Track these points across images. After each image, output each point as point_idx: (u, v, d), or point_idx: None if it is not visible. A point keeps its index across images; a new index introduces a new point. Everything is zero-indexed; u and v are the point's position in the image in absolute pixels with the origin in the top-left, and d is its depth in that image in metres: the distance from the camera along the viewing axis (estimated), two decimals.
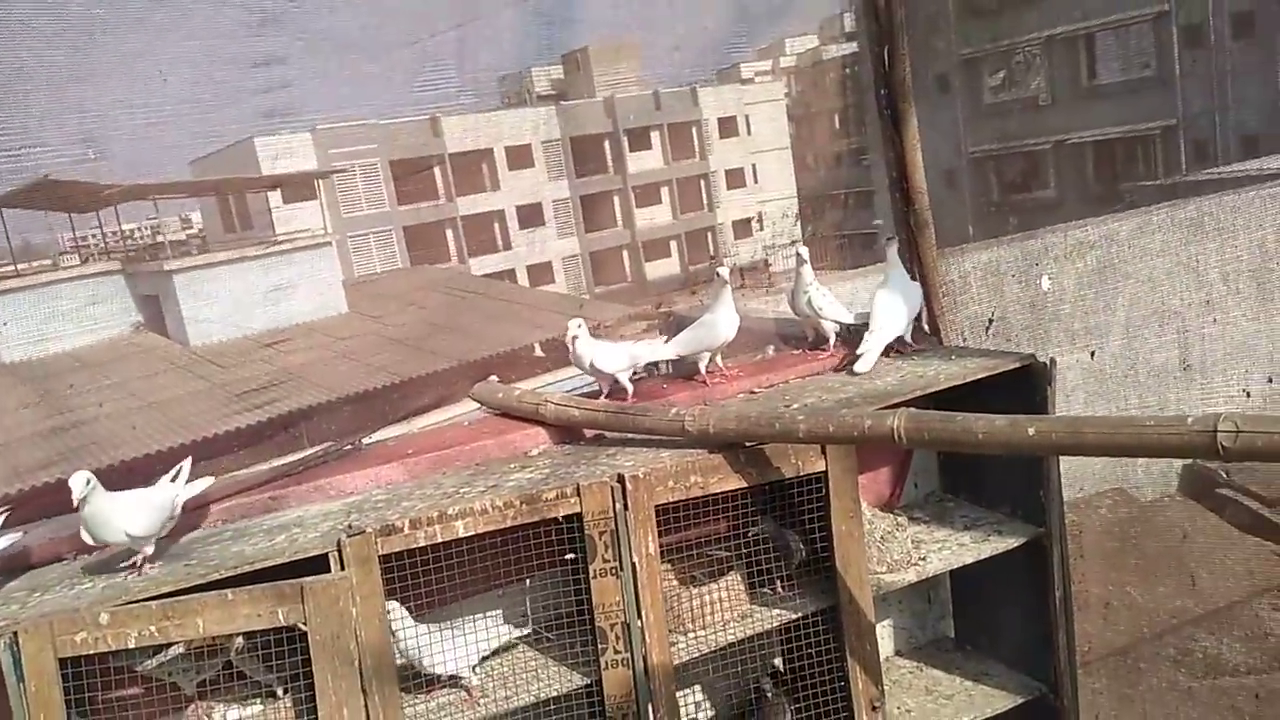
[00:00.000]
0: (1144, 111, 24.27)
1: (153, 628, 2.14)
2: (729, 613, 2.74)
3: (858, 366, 2.98)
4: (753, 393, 3.03)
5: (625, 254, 40.13)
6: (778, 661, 3.03)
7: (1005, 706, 3.00)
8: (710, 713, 3.05)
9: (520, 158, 36.77)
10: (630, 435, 2.81)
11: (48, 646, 2.07)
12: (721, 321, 3.03)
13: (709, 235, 41.15)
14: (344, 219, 31.31)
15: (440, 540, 2.37)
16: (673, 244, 40.68)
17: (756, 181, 41.26)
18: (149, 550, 2.33)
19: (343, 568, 2.27)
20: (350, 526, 2.33)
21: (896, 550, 2.84)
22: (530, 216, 37.33)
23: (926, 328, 3.32)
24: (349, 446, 2.98)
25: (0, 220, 18.64)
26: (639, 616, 2.49)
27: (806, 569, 2.78)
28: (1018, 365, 2.80)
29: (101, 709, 2.26)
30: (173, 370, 18.49)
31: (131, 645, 2.15)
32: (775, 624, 2.71)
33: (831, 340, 3.22)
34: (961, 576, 3.21)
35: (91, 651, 2.12)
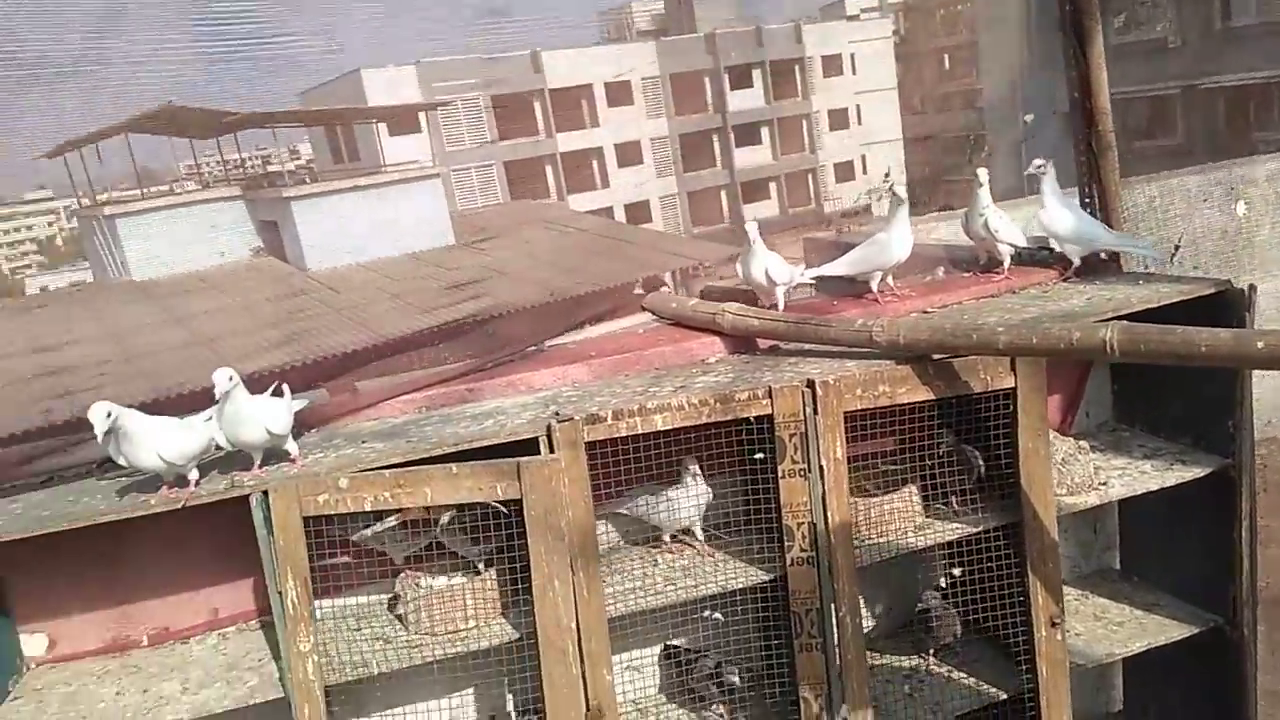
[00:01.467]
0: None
1: (386, 494, 2.32)
2: (906, 523, 2.80)
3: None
4: (925, 312, 3.05)
5: (723, 194, 39.70)
6: (943, 579, 3.10)
7: (1179, 635, 3.01)
8: (873, 622, 3.14)
9: (620, 94, 36.52)
10: (808, 346, 2.88)
11: (294, 505, 2.27)
12: (895, 240, 3.05)
13: (809, 177, 40.39)
14: (446, 152, 31.71)
15: (640, 431, 2.49)
16: (772, 185, 40.06)
17: (860, 123, 40.16)
18: (292, 448, 2.42)
19: (551, 451, 2.41)
20: (556, 414, 2.46)
21: (1078, 473, 2.85)
22: (629, 154, 37.18)
23: (1104, 255, 3.27)
24: (532, 348, 3.12)
25: (128, 145, 19.40)
26: (825, 517, 2.58)
27: (983, 487, 2.82)
28: (1213, 291, 2.75)
29: (318, 574, 2.46)
30: (290, 294, 19.20)
31: (366, 508, 2.33)
32: (953, 537, 2.77)
33: (1006, 263, 3.21)
34: (1131, 508, 3.21)
35: (331, 512, 2.31)
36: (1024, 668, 2.83)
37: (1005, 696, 2.91)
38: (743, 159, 39.07)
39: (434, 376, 2.87)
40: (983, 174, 3.14)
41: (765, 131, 39.00)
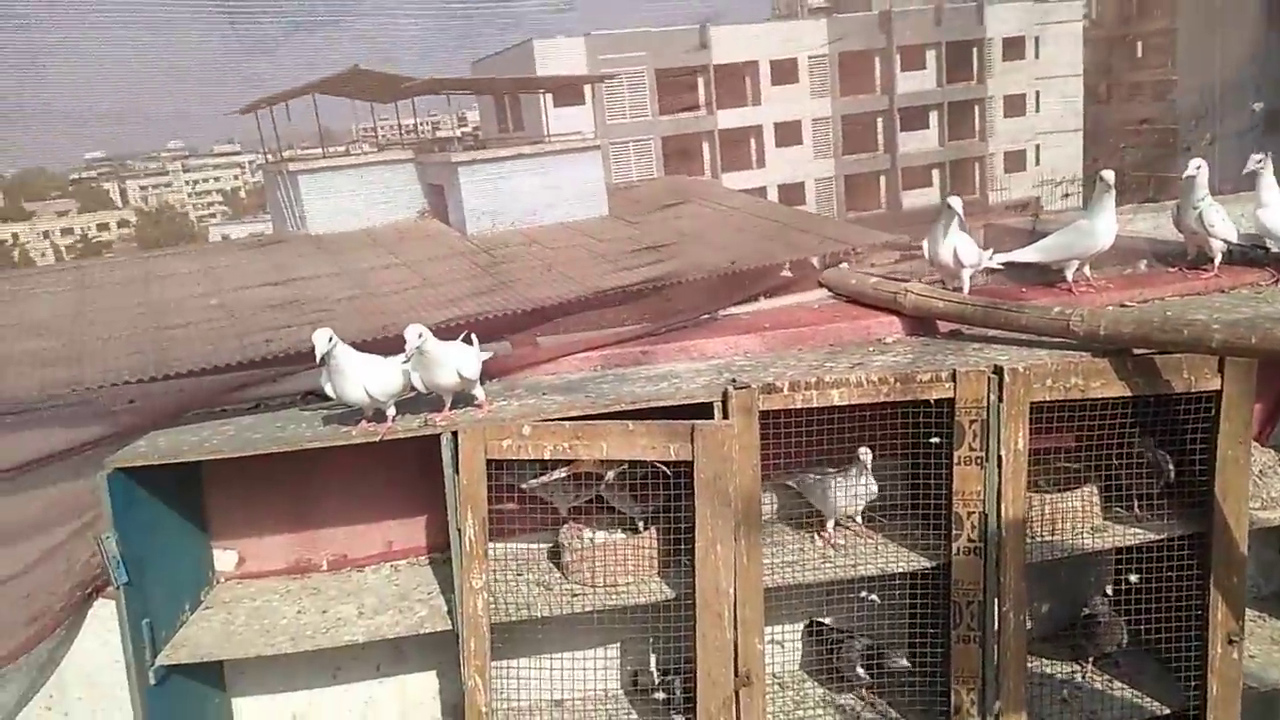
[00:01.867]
0: None
1: (565, 444, 2.40)
2: (1082, 523, 2.69)
3: None
4: (1124, 306, 2.90)
5: (882, 180, 38.62)
6: (1109, 586, 2.96)
7: None
8: (1033, 622, 3.03)
9: (785, 72, 35.95)
10: (993, 333, 2.79)
11: (480, 447, 2.38)
12: (1100, 228, 2.90)
13: (976, 166, 38.76)
14: (607, 125, 32.09)
15: (815, 405, 2.48)
16: (934, 173, 38.67)
17: (1038, 110, 38.15)
18: (479, 394, 2.50)
19: (725, 417, 2.43)
20: (733, 381, 2.48)
21: (1276, 486, 2.67)
22: (788, 134, 36.65)
23: None
24: (706, 316, 3.15)
25: (314, 105, 20.50)
26: (998, 509, 2.50)
27: (1170, 493, 2.67)
28: None
29: (490, 517, 2.56)
30: (452, 255, 19.95)
31: (546, 456, 2.42)
32: (1132, 542, 2.64)
33: (1217, 260, 3.00)
34: None
35: (513, 457, 2.41)
36: (1192, 684, 2.68)
37: (1168, 712, 2.76)
38: (907, 144, 37.86)
39: (611, 337, 2.93)
40: (1200, 164, 2.94)
41: (933, 116, 37.63)
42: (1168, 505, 2.64)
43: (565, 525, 2.79)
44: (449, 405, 2.48)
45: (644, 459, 2.44)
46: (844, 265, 3.21)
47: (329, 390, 2.40)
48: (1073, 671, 2.94)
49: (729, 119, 35.73)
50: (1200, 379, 2.46)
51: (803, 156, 37.36)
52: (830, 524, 2.77)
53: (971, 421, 2.46)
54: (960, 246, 2.87)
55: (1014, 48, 37.97)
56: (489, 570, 2.45)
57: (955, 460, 2.49)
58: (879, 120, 37.99)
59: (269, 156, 21.15)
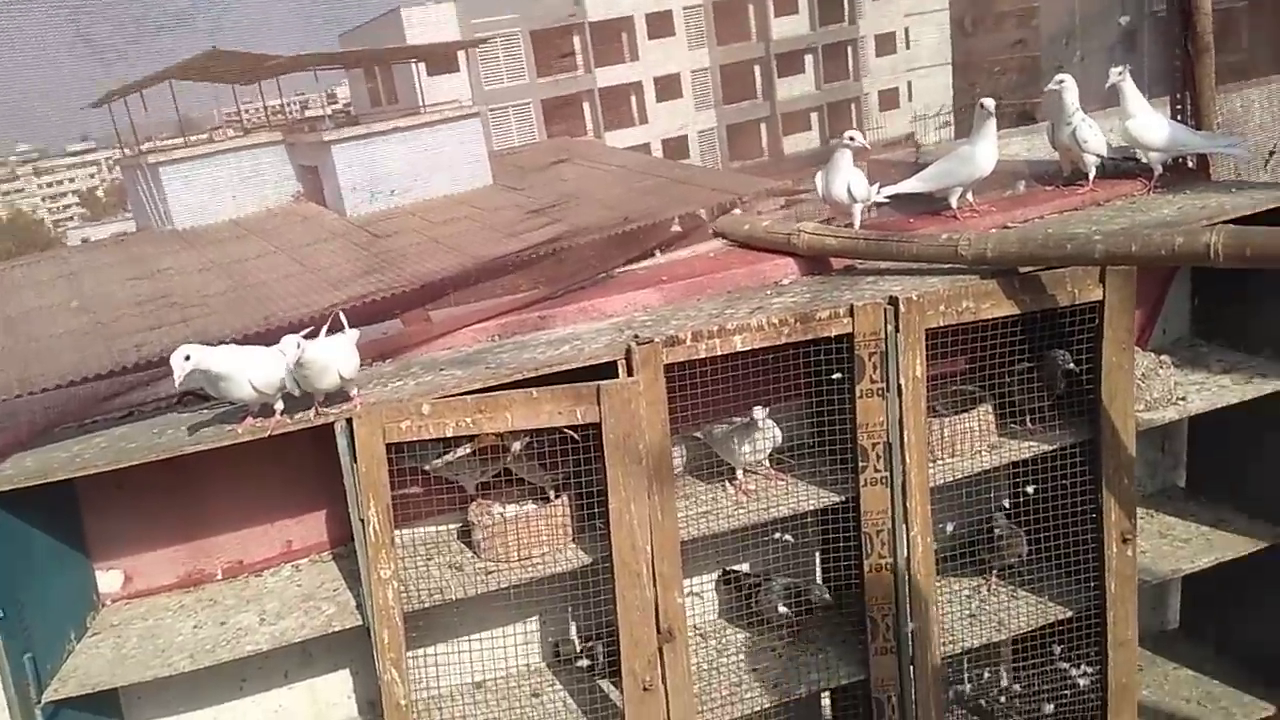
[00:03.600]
0: None
1: (468, 419, 2.31)
2: (979, 443, 2.75)
3: None
4: (1006, 227, 2.95)
5: (763, 127, 38.95)
6: (1006, 500, 3.05)
7: (1246, 550, 2.95)
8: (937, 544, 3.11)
9: (661, 25, 35.74)
10: (885, 265, 2.81)
11: (378, 432, 2.27)
12: (980, 154, 2.94)
13: (853, 106, 39.44)
14: (484, 91, 31.41)
15: (719, 353, 2.45)
16: (813, 116, 39.18)
17: (909, 47, 38.97)
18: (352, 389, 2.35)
19: (630, 374, 2.39)
20: (636, 338, 2.43)
21: (1157, 388, 2.77)
22: (668, 88, 36.55)
23: (1191, 162, 3.13)
24: (601, 275, 3.09)
25: (171, 92, 19.42)
26: (901, 437, 2.54)
27: (1060, 404, 2.75)
28: None
29: (392, 504, 2.47)
30: (332, 238, 19.32)
31: (449, 434, 2.33)
32: (1027, 455, 2.71)
33: (1091, 175, 3.09)
34: (1200, 424, 3.12)
35: (414, 439, 2.32)
36: (1092, 585, 2.79)
37: (1070, 614, 2.87)
38: (784, 89, 38.21)
39: (506, 304, 2.85)
40: (1069, 81, 3.00)
41: (809, 59, 38.04)
42: (1058, 416, 2.72)
43: (474, 503, 2.71)
44: (316, 407, 2.33)
45: (551, 426, 2.38)
46: (736, 212, 3.18)
47: (213, 393, 2.26)
48: (977, 586, 3.03)
49: (608, 76, 35.40)
50: (1083, 291, 2.53)
51: (684, 109, 37.34)
52: (739, 473, 2.77)
53: (871, 354, 2.48)
54: (853, 182, 2.87)
55: None
56: (397, 559, 2.36)
57: (857, 394, 2.51)
58: (756, 68, 38.21)
59: (126, 151, 19.96)
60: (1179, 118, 3.18)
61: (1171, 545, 3.01)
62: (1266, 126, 3.08)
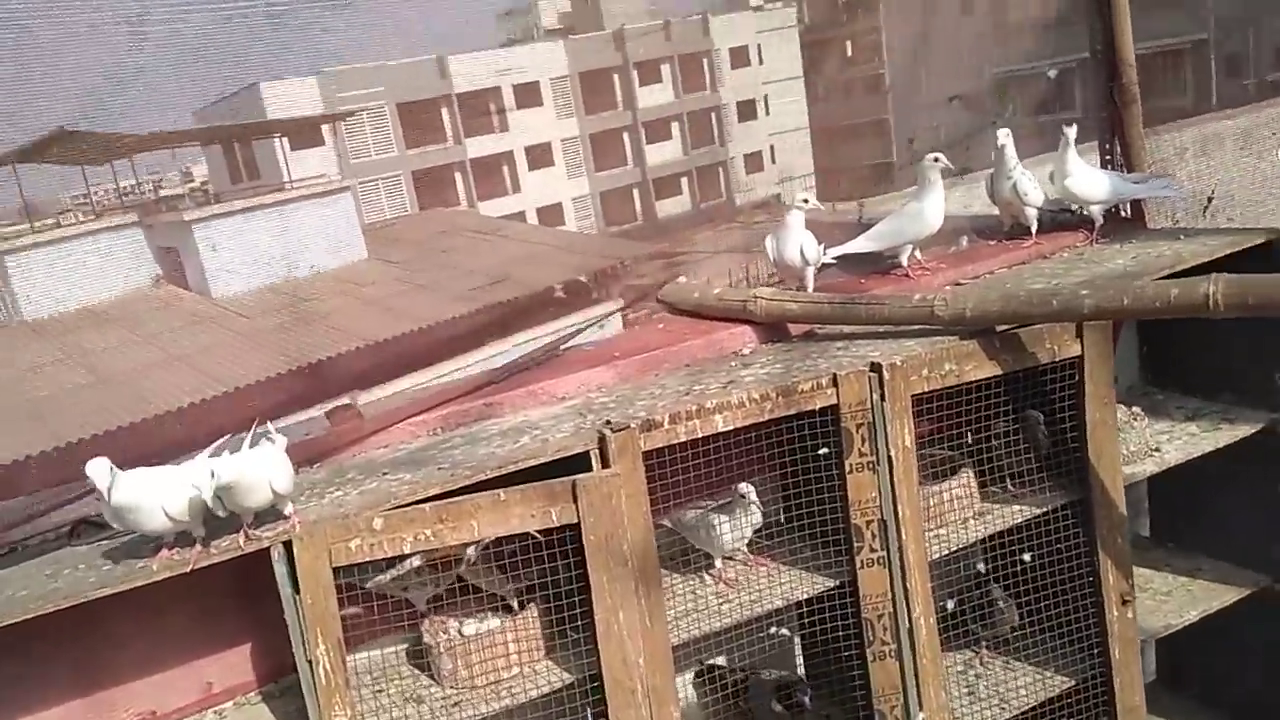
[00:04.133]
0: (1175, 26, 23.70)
1: (427, 532, 2.02)
2: (965, 511, 2.62)
3: None
4: (958, 284, 2.88)
5: (636, 192, 39.65)
6: (981, 564, 2.92)
7: (1231, 599, 2.90)
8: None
9: (528, 96, 36.11)
10: (848, 329, 2.67)
11: (323, 555, 1.95)
12: (929, 210, 2.87)
13: (720, 170, 40.63)
14: (352, 164, 30.87)
15: (699, 435, 2.24)
16: (683, 180, 40.17)
17: (768, 114, 40.57)
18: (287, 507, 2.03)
19: (604, 465, 2.14)
20: (608, 423, 2.19)
21: (1134, 440, 2.72)
22: (540, 157, 36.84)
23: (1125, 211, 3.15)
24: (545, 354, 2.84)
25: (14, 175, 18.25)
26: (895, 512, 2.37)
27: (1044, 465, 2.65)
28: (1263, 241, 2.64)
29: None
30: (198, 323, 18.38)
31: (406, 550, 2.03)
32: (1018, 520, 2.59)
33: (1034, 228, 3.05)
34: (1162, 473, 3.09)
35: (366, 559, 2.00)
36: (1094, 651, 2.68)
37: (1073, 684, 2.75)
38: (654, 155, 39.06)
39: (446, 392, 2.56)
40: (1005, 134, 2.98)
41: (675, 126, 39.07)
42: (1044, 477, 2.62)
43: (425, 621, 2.39)
44: (245, 526, 2.00)
45: (523, 531, 2.10)
46: (681, 279, 3.01)
47: (115, 524, 1.89)
48: (969, 660, 2.88)
49: (479, 147, 35.40)
50: (1062, 347, 2.45)
51: (556, 177, 37.67)
52: (718, 561, 2.55)
53: (858, 425, 2.31)
54: (805, 244, 2.74)
55: (740, 56, 40.18)
56: (352, 702, 2.02)
57: (847, 469, 2.33)
58: (625, 135, 38.96)
59: None
60: (1108, 165, 3.20)
61: (1155, 600, 2.94)
62: (1201, 174, 3.15)
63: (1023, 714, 2.70)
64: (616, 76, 38.02)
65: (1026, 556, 2.61)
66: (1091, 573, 2.60)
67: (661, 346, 2.73)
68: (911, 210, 2.89)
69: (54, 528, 2.17)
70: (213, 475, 1.85)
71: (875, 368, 2.31)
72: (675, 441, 2.23)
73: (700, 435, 2.23)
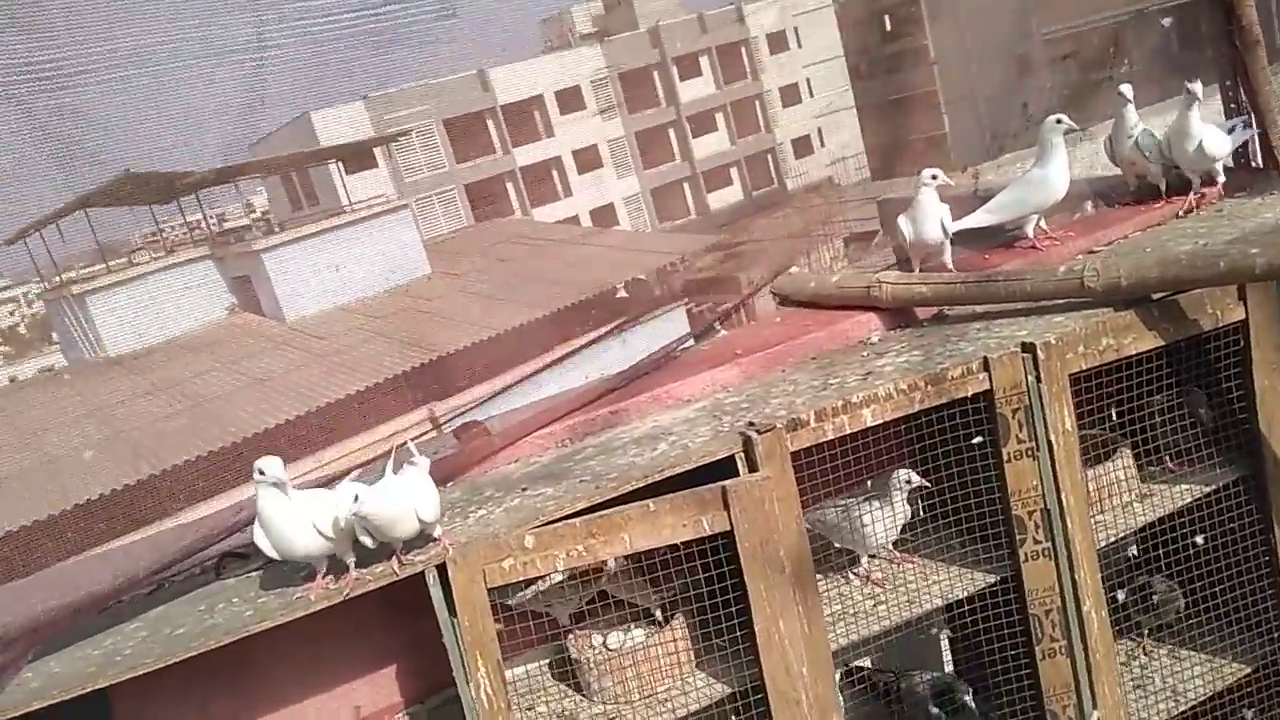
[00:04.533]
0: None
1: (579, 547, 1.95)
2: (1128, 494, 2.47)
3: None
4: (1092, 252, 2.72)
5: (686, 186, 39.53)
6: (1135, 548, 2.76)
7: None
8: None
9: (571, 101, 36.25)
10: (982, 309, 2.54)
11: (477, 576, 1.89)
12: (1054, 177, 2.71)
13: (769, 157, 40.30)
14: (406, 183, 31.33)
15: (847, 431, 2.13)
16: (733, 171, 39.93)
17: (813, 96, 40.11)
18: (436, 532, 1.97)
19: (751, 469, 2.05)
20: (751, 424, 2.10)
21: None
22: (588, 159, 36.95)
23: (1258, 161, 2.96)
24: (665, 356, 2.76)
25: (86, 218, 18.82)
26: (1060, 501, 2.23)
27: (1208, 439, 2.49)
28: None
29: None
30: (276, 346, 18.77)
31: (560, 566, 1.96)
32: (1186, 500, 2.43)
33: (1162, 186, 2.88)
34: None
35: (520, 579, 1.94)
36: (1274, 634, 2.51)
37: (1249, 670, 2.57)
38: (701, 148, 38.91)
39: (571, 402, 2.49)
40: (1127, 90, 2.81)
41: (720, 117, 38.84)
42: (1210, 452, 2.45)
43: (569, 635, 2.32)
44: (399, 550, 1.94)
45: (677, 541, 2.02)
46: (794, 270, 2.90)
47: (267, 548, 1.85)
48: (1132, 651, 2.72)
49: (527, 155, 35.64)
50: (1225, 312, 2.28)
51: (606, 178, 37.75)
52: (865, 560, 2.44)
53: (1014, 411, 2.18)
54: (945, 218, 2.60)
55: (778, 41, 39.78)
56: None
57: (1005, 457, 2.20)
58: (670, 131, 38.86)
59: (47, 284, 19.19)
60: (1233, 114, 3.01)
61: None
62: None
63: (1199, 704, 2.54)
64: (656, 73, 37.94)
65: (1199, 539, 2.45)
66: (1268, 550, 2.43)
67: (784, 341, 2.63)
68: (1035, 177, 2.74)
69: (199, 563, 2.15)
70: (356, 499, 1.80)
71: (1028, 348, 2.18)
72: (823, 440, 2.12)
73: (848, 431, 2.12)
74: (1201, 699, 2.52)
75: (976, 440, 2.23)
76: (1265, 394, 2.33)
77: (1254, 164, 3.00)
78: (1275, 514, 2.39)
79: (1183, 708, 2.49)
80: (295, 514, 1.81)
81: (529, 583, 2.23)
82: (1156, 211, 2.85)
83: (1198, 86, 2.77)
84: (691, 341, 2.82)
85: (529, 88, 35.03)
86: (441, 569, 1.88)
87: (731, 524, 2.00)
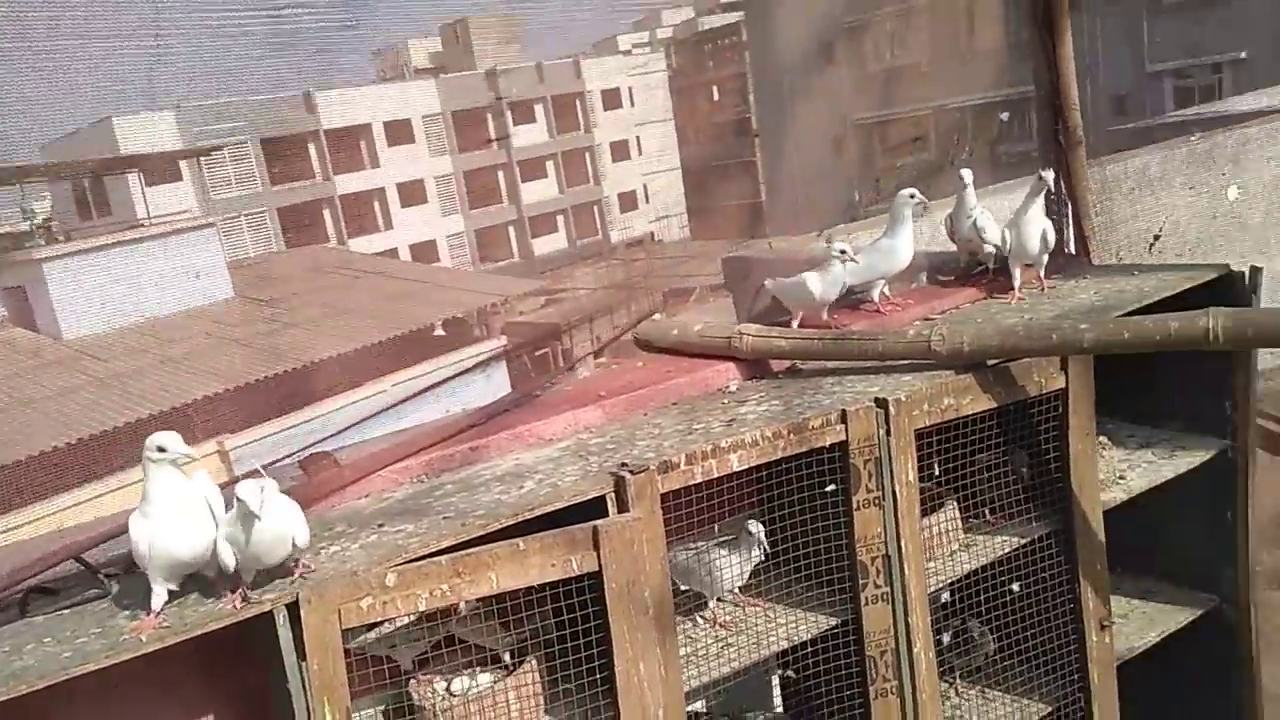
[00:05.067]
0: (1019, 76, 25.38)
1: (444, 586, 1.87)
2: (953, 543, 2.64)
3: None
4: (928, 319, 2.93)
5: (512, 230, 39.57)
6: (945, 594, 2.95)
7: (1185, 620, 3.01)
8: None
9: (400, 133, 35.66)
10: (832, 365, 2.67)
11: (332, 618, 1.77)
12: (901, 246, 2.91)
13: (595, 208, 41.03)
14: (213, 201, 29.65)
15: (715, 475, 2.17)
16: (559, 218, 40.36)
17: (641, 154, 41.33)
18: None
19: (621, 509, 2.05)
20: (624, 464, 2.10)
21: (1103, 469, 2.80)
22: (412, 194, 36.34)
23: (1072, 249, 3.29)
24: (525, 395, 2.72)
25: None
26: (899, 548, 2.36)
27: (1023, 495, 2.71)
28: (1215, 277, 2.79)
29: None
30: (46, 366, 17.17)
31: (422, 607, 1.87)
32: (1004, 552, 2.63)
33: (990, 265, 3.15)
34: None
35: (378, 619, 1.83)
36: (1074, 677, 2.73)
37: (1049, 710, 2.79)
38: (530, 193, 39.12)
39: (430, 436, 2.41)
40: (968, 174, 3.06)
41: (550, 165, 39.27)
42: (1027, 507, 2.66)
43: (410, 680, 2.21)
44: (247, 584, 1.80)
45: (544, 581, 1.98)
46: (658, 317, 2.95)
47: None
48: (945, 692, 2.88)
49: (348, 183, 34.60)
50: (1048, 380, 2.51)
51: (430, 214, 37.20)
52: (712, 603, 2.47)
53: (866, 461, 2.30)
54: (820, 283, 2.73)
55: (612, 98, 40.82)
56: None
57: (854, 505, 2.31)
58: (500, 173, 38.89)
59: None
60: (1053, 203, 3.33)
61: (1115, 624, 3.02)
62: (1141, 215, 3.31)
63: None
64: (490, 115, 38.00)
65: (1015, 586, 2.65)
66: (1073, 599, 2.65)
67: (647, 385, 2.66)
68: (885, 246, 2.93)
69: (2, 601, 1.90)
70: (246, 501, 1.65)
71: (882, 403, 2.30)
72: (690, 483, 2.15)
73: (715, 475, 2.16)
74: None
75: (830, 488, 2.33)
76: (1078, 457, 2.57)
77: (1067, 250, 3.33)
78: (1081, 565, 2.62)
79: None
80: (197, 504, 1.64)
81: (372, 625, 2.12)
82: (984, 287, 3.10)
83: (1050, 174, 3.04)
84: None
85: (357, 115, 34.16)
86: (292, 608, 1.75)
87: (600, 564, 1.98)
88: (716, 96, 43.53)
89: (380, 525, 2.06)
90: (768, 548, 2.37)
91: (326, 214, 34.01)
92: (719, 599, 2.49)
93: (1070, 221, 3.20)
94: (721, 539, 2.41)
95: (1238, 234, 3.57)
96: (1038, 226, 2.90)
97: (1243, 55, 21.83)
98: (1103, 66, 23.63)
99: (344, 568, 1.86)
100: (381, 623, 2.11)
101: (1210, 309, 2.09)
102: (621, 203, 41.22)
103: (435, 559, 1.86)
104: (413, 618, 2.15)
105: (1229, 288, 2.77)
